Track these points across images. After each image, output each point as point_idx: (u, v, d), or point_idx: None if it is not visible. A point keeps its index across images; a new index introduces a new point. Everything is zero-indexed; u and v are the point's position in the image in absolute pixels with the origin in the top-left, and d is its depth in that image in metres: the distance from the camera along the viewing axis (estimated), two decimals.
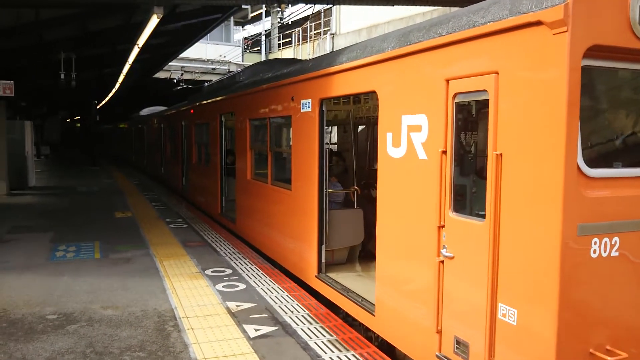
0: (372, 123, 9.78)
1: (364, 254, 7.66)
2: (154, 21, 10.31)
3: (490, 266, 3.88)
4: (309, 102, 7.11)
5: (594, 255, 3.49)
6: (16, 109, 23.87)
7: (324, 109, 6.86)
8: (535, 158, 3.53)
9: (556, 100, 3.36)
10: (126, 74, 20.49)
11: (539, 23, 3.44)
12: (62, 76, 17.78)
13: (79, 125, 56.87)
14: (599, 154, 3.87)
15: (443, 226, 4.42)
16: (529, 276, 3.60)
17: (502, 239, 3.82)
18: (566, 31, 3.27)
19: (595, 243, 3.48)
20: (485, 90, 3.95)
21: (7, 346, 5.20)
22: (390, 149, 5.16)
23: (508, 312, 3.76)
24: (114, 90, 28.44)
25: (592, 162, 3.53)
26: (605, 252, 3.52)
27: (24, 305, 6.40)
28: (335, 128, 11.37)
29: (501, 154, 3.80)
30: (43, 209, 14.30)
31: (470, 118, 4.59)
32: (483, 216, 4.00)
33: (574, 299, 3.45)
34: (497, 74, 3.82)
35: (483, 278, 3.95)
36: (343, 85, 6.25)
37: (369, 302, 5.76)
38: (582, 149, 3.46)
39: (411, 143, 4.82)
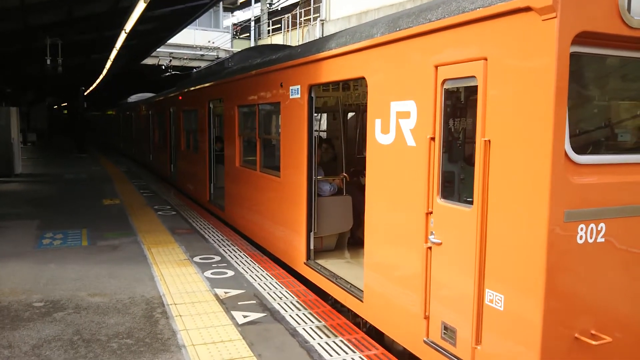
0: (362, 110, 9.75)
1: (352, 240, 7.67)
2: (141, 6, 10.19)
3: (478, 252, 3.90)
4: (297, 89, 7.06)
5: (580, 242, 3.51)
6: (1, 95, 23.58)
7: (313, 95, 6.82)
8: (523, 144, 3.53)
9: (544, 86, 3.35)
10: (113, 60, 20.29)
11: (528, 9, 3.42)
12: (48, 62, 17.56)
13: (66, 112, 56.29)
14: (586, 140, 3.88)
15: (431, 212, 4.42)
16: (516, 262, 3.62)
17: (490, 225, 3.83)
18: (555, 17, 3.26)
19: (581, 229, 3.50)
20: (474, 77, 3.94)
21: None
22: (379, 135, 5.15)
23: (495, 298, 3.78)
24: (101, 77, 28.18)
25: (579, 149, 3.54)
26: (591, 238, 3.54)
27: (10, 293, 6.35)
28: (324, 115, 11.34)
29: (489, 141, 3.79)
30: (30, 197, 14.16)
31: (459, 105, 4.59)
32: (471, 202, 4.00)
33: (560, 285, 3.47)
34: (486, 60, 3.80)
35: (470, 264, 3.97)
36: (332, 71, 6.21)
37: (358, 288, 5.78)
38: (570, 136, 3.47)
39: (400, 130, 4.81)
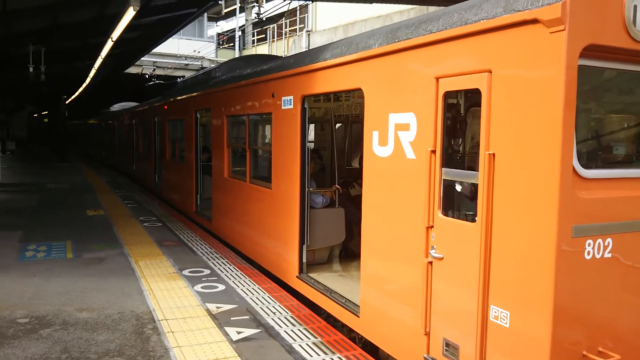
0: (351, 121, 9.70)
1: (344, 253, 7.57)
2: (130, 14, 10.03)
3: (482, 267, 3.83)
4: (290, 99, 6.97)
5: (587, 257, 3.46)
6: None
7: (306, 106, 6.74)
8: (530, 158, 3.48)
9: (552, 99, 3.31)
10: (97, 68, 20.02)
11: (535, 21, 3.39)
12: (31, 69, 17.25)
13: (46, 120, 55.50)
14: (594, 154, 3.85)
15: (432, 227, 4.35)
16: (522, 278, 3.55)
17: (495, 240, 3.77)
18: (563, 30, 3.23)
19: (589, 244, 3.45)
20: (477, 89, 3.89)
21: None
22: (377, 147, 5.08)
23: (500, 314, 3.71)
24: (84, 85, 27.80)
25: (586, 163, 3.50)
26: (598, 253, 3.49)
27: None
28: (312, 126, 11.26)
29: (494, 154, 3.74)
30: (10, 207, 13.83)
31: (460, 117, 4.54)
32: (474, 217, 3.94)
33: (568, 301, 3.41)
34: (490, 72, 3.76)
35: (474, 279, 3.90)
36: (327, 82, 6.14)
37: (353, 303, 5.67)
38: (577, 150, 3.42)
39: (399, 142, 4.74)
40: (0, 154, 21.47)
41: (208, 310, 6.09)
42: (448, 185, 4.29)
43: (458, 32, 4.03)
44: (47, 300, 6.42)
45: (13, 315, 5.94)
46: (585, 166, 3.50)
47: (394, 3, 13.18)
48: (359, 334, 5.62)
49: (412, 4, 14.54)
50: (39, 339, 5.27)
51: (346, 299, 5.86)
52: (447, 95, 4.28)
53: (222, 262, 8.29)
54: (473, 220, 3.96)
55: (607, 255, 3.53)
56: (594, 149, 3.92)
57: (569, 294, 3.42)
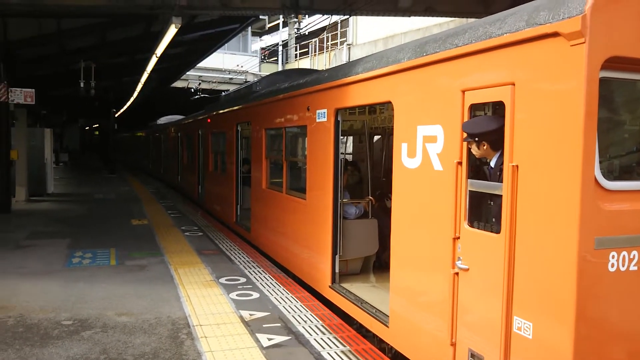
0: (388, 133, 9.77)
1: (378, 264, 7.62)
2: (172, 31, 10.45)
3: (506, 279, 3.84)
4: (324, 112, 7.12)
5: (611, 269, 3.44)
6: (36, 116, 24.27)
7: (339, 119, 6.87)
8: (552, 170, 3.50)
9: (573, 111, 3.33)
10: (144, 83, 20.76)
11: (556, 34, 3.42)
12: (82, 85, 18.07)
13: (97, 133, 57.59)
14: (617, 166, 3.82)
15: (458, 238, 4.39)
16: (545, 289, 3.56)
17: (518, 252, 3.78)
18: (584, 42, 3.25)
19: (613, 257, 3.43)
20: (501, 102, 3.93)
21: (23, 351, 5.25)
22: (406, 159, 5.15)
23: (523, 326, 3.71)
24: (132, 99, 28.82)
25: (609, 175, 3.49)
26: (623, 266, 3.46)
27: (40, 311, 6.46)
28: (350, 138, 11.39)
29: (517, 166, 3.77)
30: (61, 216, 14.47)
31: None
32: (498, 228, 3.96)
33: (591, 313, 3.40)
34: (514, 85, 3.80)
35: (498, 291, 3.91)
36: (358, 95, 6.26)
37: (383, 313, 5.73)
38: (600, 161, 3.42)
39: (427, 154, 4.80)
40: (54, 165, 22.43)
41: (241, 317, 6.25)
42: (474, 197, 4.33)
43: (482, 45, 4.09)
44: (90, 304, 6.73)
45: (58, 317, 6.25)
46: (609, 178, 3.49)
47: (431, 15, 13.22)
48: (389, 344, 5.66)
49: (450, 17, 14.54)
50: (80, 340, 5.54)
51: (376, 309, 5.91)
52: (473, 107, 4.33)
53: (258, 271, 8.46)
54: (498, 232, 3.99)
55: (633, 268, 3.49)
56: (618, 161, 3.89)
57: (592, 306, 3.40)
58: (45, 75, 18.59)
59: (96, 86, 18.54)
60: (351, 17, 24.11)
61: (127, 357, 5.15)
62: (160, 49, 12.57)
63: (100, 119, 46.28)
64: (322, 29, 28.34)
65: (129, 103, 31.70)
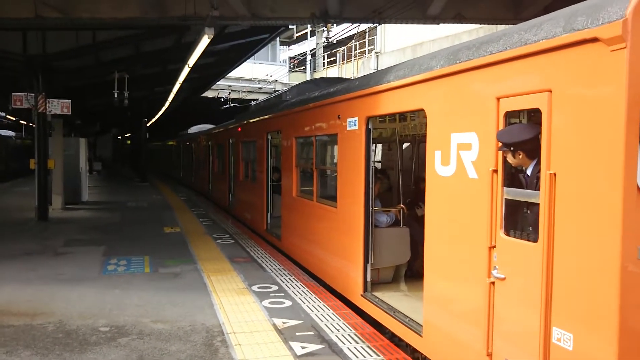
0: (418, 141, 9.73)
1: (410, 273, 7.57)
2: (204, 41, 10.61)
3: (544, 288, 3.78)
4: (355, 120, 7.14)
5: None
6: (71, 126, 24.90)
7: (370, 127, 6.88)
8: (592, 177, 3.43)
9: (614, 118, 3.27)
10: (176, 92, 21.10)
11: (595, 40, 3.37)
12: (116, 95, 18.46)
13: (129, 142, 58.68)
14: None
15: (494, 246, 4.34)
16: (585, 300, 3.48)
17: (557, 261, 3.72)
18: (625, 47, 3.20)
19: None
20: (537, 109, 3.88)
21: (63, 356, 5.37)
22: (439, 167, 5.12)
23: (563, 337, 3.64)
24: (163, 109, 29.31)
25: None
26: None
27: (78, 317, 6.60)
28: (379, 146, 11.37)
29: (555, 174, 3.71)
30: (95, 224, 14.77)
31: None
32: (536, 237, 3.91)
33: (635, 324, 3.31)
34: (551, 92, 3.75)
35: (536, 300, 3.85)
36: (390, 103, 6.26)
37: (416, 322, 5.68)
38: None
39: (461, 161, 4.77)
40: (88, 174, 22.95)
41: (274, 325, 6.27)
42: (509, 205, 4.27)
43: (518, 52, 4.05)
44: (126, 311, 6.84)
45: (96, 323, 6.38)
46: None
47: (461, 22, 13.13)
48: (422, 354, 5.61)
49: (480, 23, 14.42)
50: (117, 347, 5.64)
51: (409, 318, 5.87)
52: (508, 114, 4.29)
53: (289, 279, 8.49)
54: (535, 241, 3.93)
55: None
56: None
57: (636, 316, 3.32)
58: (80, 86, 19.07)
59: (129, 96, 18.92)
60: (379, 25, 24.11)
61: None
62: (192, 59, 12.78)
63: (132, 129, 47.16)
64: (350, 38, 28.42)
65: (160, 113, 32.24)
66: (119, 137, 59.87)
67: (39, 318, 6.55)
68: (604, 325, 3.34)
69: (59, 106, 14.78)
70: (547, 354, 3.77)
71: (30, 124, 34.76)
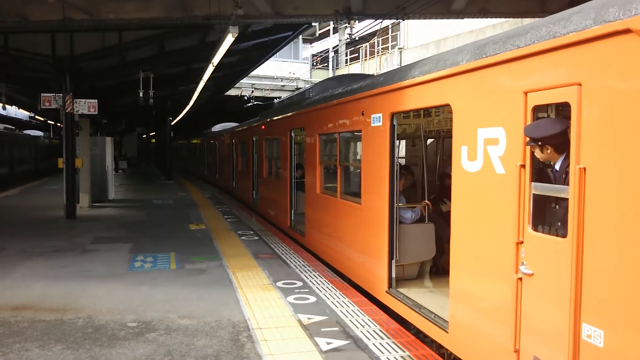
0: (443, 136, 9.66)
1: (435, 269, 7.53)
2: (229, 40, 10.68)
3: (573, 284, 3.73)
4: (379, 116, 7.12)
5: None
6: (97, 125, 25.29)
7: (394, 122, 6.85)
8: (623, 171, 3.37)
9: None
10: (200, 91, 21.27)
11: (627, 31, 3.30)
12: (141, 94, 18.69)
13: (154, 140, 59.38)
14: None
15: (522, 242, 4.29)
16: (617, 296, 3.42)
17: (586, 256, 3.66)
18: None
19: None
20: (566, 103, 3.82)
21: (93, 350, 5.48)
22: (466, 162, 5.08)
23: (593, 334, 3.59)
24: (187, 107, 29.58)
25: None
26: None
27: (107, 313, 6.72)
28: (403, 142, 11.33)
29: (584, 168, 3.65)
30: (122, 221, 15.00)
31: None
32: (565, 232, 3.85)
33: None
34: (580, 85, 3.69)
35: (565, 297, 3.79)
36: (415, 98, 6.22)
37: (442, 318, 5.66)
38: None
39: (488, 157, 4.72)
40: (114, 172, 23.32)
41: (300, 321, 6.30)
42: (537, 200, 4.22)
43: (546, 45, 3.99)
44: (153, 307, 6.94)
45: (124, 319, 6.48)
46: None
47: (486, 17, 12.99)
48: (448, 350, 5.58)
49: (505, 17, 14.24)
50: (145, 342, 5.73)
51: (435, 314, 5.85)
52: (536, 109, 4.23)
53: (314, 275, 8.52)
54: (564, 236, 3.87)
55: None
56: None
57: None
58: (106, 86, 19.36)
59: (154, 95, 19.14)
60: (402, 21, 23.99)
61: (190, 359, 5.28)
62: (217, 58, 12.87)
63: (157, 127, 47.72)
64: (373, 34, 28.32)
65: (184, 111, 32.55)
66: (144, 136, 60.62)
67: (69, 313, 6.69)
68: (637, 321, 3.28)
69: (85, 106, 15.03)
70: (576, 351, 3.72)
71: (58, 124, 35.45)
